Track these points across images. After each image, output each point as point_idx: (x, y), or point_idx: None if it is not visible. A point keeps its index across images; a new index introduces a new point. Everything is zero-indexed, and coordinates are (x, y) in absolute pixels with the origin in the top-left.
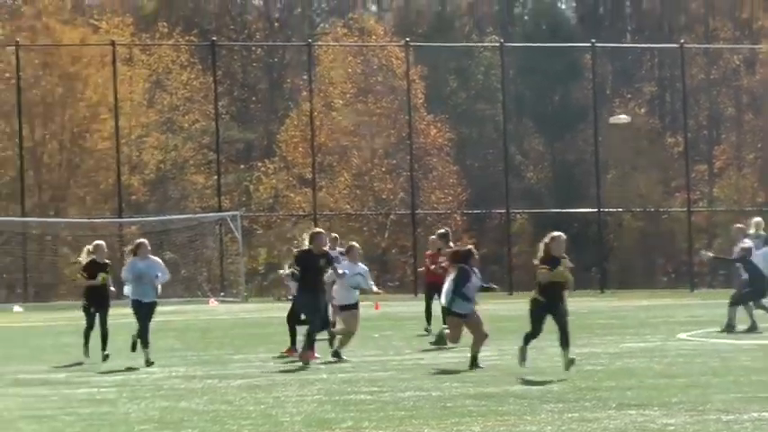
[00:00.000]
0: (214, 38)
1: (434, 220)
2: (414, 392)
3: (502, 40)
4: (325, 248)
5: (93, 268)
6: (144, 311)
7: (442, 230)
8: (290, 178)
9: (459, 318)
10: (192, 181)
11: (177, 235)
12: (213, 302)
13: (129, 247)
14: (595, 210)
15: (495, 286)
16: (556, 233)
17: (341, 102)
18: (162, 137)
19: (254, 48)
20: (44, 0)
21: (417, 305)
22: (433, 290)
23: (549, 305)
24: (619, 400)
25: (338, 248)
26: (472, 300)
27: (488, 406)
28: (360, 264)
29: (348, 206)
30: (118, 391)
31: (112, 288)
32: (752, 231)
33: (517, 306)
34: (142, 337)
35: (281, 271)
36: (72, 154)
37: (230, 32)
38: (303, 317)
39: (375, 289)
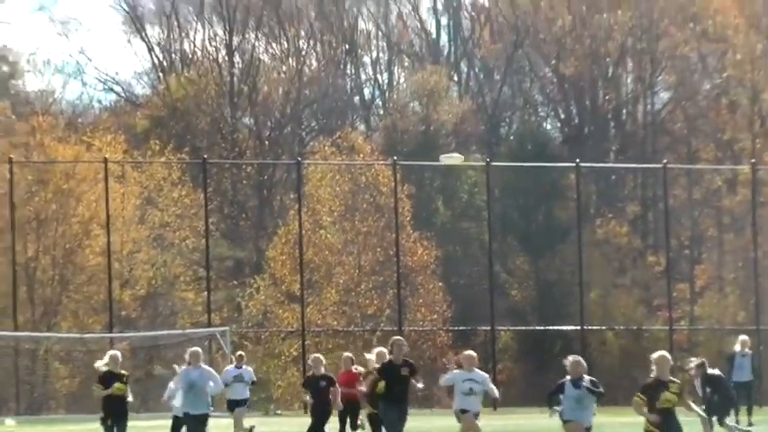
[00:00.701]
0: (205, 156)
1: (419, 336)
2: None
3: (488, 159)
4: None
5: (108, 379)
6: (193, 424)
7: (349, 354)
8: (279, 294)
9: (573, 423)
10: (182, 297)
11: (167, 351)
12: None
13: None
14: (578, 327)
15: (600, 390)
16: (660, 353)
17: (329, 219)
18: (152, 252)
19: (244, 166)
20: (38, 117)
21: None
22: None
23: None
24: None
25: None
26: (575, 409)
27: None
28: (476, 370)
29: (335, 322)
30: None
31: (130, 399)
32: (738, 349)
33: (502, 423)
34: None
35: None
36: (64, 269)
37: (221, 150)
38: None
39: (495, 394)
